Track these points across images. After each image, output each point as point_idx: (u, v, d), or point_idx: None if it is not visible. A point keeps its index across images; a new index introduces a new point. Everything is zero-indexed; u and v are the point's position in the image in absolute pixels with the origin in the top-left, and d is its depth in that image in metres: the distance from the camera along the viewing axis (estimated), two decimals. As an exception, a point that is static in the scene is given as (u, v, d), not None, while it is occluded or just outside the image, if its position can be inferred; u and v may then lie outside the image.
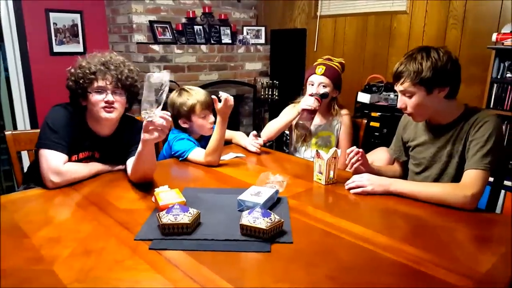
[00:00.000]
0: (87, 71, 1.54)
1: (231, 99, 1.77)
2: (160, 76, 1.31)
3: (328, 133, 2.22)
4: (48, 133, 1.54)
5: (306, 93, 2.12)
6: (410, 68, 1.45)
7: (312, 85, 2.13)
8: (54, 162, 1.50)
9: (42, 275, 0.97)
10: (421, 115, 1.57)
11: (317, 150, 1.65)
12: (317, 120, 2.22)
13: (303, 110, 1.94)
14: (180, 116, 1.99)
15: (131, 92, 1.66)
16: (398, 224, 1.33)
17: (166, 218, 1.16)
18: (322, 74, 2.10)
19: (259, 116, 4.66)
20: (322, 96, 2.05)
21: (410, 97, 1.50)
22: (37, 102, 3.79)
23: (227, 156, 1.97)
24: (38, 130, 1.69)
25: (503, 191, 2.54)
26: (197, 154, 1.88)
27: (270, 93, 4.41)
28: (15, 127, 3.69)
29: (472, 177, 1.41)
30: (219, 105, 1.76)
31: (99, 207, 1.38)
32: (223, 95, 1.75)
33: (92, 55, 1.61)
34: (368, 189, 1.51)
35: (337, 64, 2.17)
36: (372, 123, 3.25)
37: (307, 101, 1.97)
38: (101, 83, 1.56)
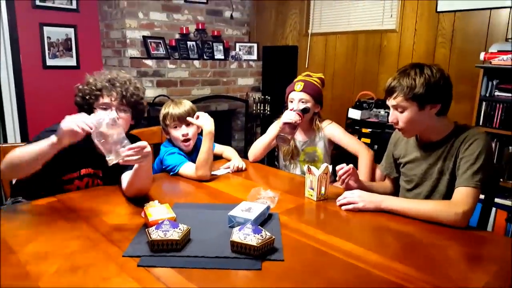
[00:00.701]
0: (93, 87, 1.57)
1: (203, 114, 1.90)
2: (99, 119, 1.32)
3: (313, 148, 2.23)
4: (35, 138, 1.50)
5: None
6: (404, 83, 1.46)
7: (292, 102, 2.14)
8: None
9: (27, 292, 0.95)
10: (411, 131, 1.57)
11: (308, 166, 1.65)
12: (301, 137, 2.23)
13: (284, 123, 1.94)
14: (162, 127, 2.04)
15: (137, 110, 1.67)
16: (390, 242, 1.32)
17: (156, 234, 1.15)
18: (301, 91, 2.12)
19: (251, 131, 4.67)
20: (303, 111, 2.05)
21: (402, 112, 1.51)
22: (28, 116, 3.76)
23: (219, 172, 1.96)
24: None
25: (494, 209, 2.57)
26: (188, 168, 1.87)
27: (262, 108, 4.43)
28: (5, 139, 3.65)
29: (463, 195, 1.41)
30: (195, 121, 1.89)
31: (88, 222, 1.36)
32: (199, 113, 1.91)
33: (99, 73, 1.64)
34: (359, 206, 1.51)
35: (316, 79, 2.18)
36: (363, 139, 3.26)
37: (288, 115, 1.97)
38: (106, 99, 1.57)
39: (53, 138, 1.34)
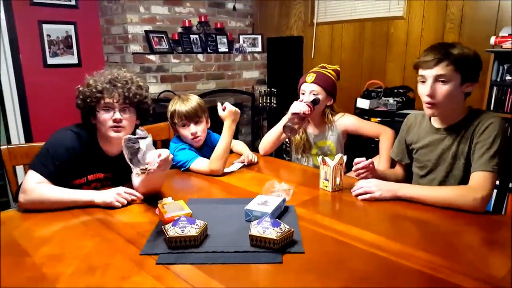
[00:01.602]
0: (94, 89, 1.51)
1: (231, 107, 1.85)
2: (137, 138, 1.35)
3: (326, 142, 2.18)
4: (43, 156, 1.50)
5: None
6: (455, 53, 1.42)
7: (303, 93, 2.10)
8: (30, 181, 1.43)
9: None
10: (443, 106, 1.50)
11: (322, 157, 1.62)
12: (312, 130, 2.20)
13: (293, 114, 1.90)
14: (170, 124, 2.01)
15: (141, 109, 1.63)
16: (409, 230, 1.30)
17: (173, 231, 1.12)
18: (312, 82, 2.07)
19: (257, 125, 4.63)
20: (313, 102, 2.00)
21: (445, 82, 1.45)
22: (31, 115, 3.74)
23: (232, 168, 1.93)
24: (34, 144, 1.67)
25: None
26: (200, 163, 1.85)
27: (268, 101, 4.39)
28: (8, 140, 3.63)
29: (480, 179, 1.40)
30: (220, 112, 1.84)
31: (101, 221, 1.34)
32: (226, 105, 1.85)
33: (100, 73, 1.58)
34: (376, 195, 1.48)
35: (330, 71, 2.13)
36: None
37: (298, 106, 1.93)
38: (108, 100, 1.52)
39: (91, 197, 1.44)
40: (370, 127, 2.18)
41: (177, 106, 1.93)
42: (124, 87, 1.55)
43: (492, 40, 2.64)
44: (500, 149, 1.41)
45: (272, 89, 4.36)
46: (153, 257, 1.08)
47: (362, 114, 3.39)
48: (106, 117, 1.52)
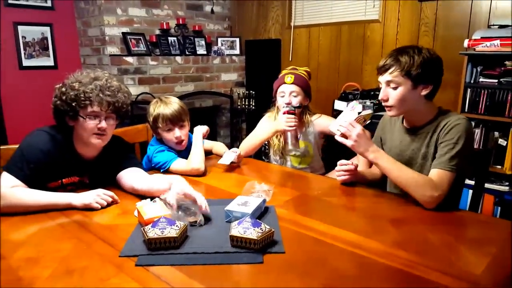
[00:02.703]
0: (82, 95, 1.45)
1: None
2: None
3: (305, 143, 2.20)
4: (17, 158, 1.46)
5: (277, 105, 2.13)
6: (402, 60, 1.47)
7: (283, 96, 2.12)
8: (4, 184, 1.39)
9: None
10: (399, 108, 1.55)
11: (354, 103, 1.61)
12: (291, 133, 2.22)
13: (286, 131, 1.95)
14: (151, 128, 1.98)
15: (122, 114, 1.60)
16: (388, 229, 1.32)
17: (152, 233, 1.11)
18: (292, 83, 2.09)
19: (236, 127, 4.63)
20: (298, 108, 2.06)
21: (395, 88, 1.51)
22: (6, 117, 3.64)
23: (225, 159, 1.92)
24: (7, 147, 1.62)
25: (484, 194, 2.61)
26: (180, 163, 1.85)
27: (246, 103, 4.40)
28: (-17, 142, 3.54)
29: (439, 177, 1.42)
30: None
31: (79, 223, 1.31)
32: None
33: (83, 75, 1.52)
34: (347, 143, 1.52)
35: (303, 72, 2.17)
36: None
37: (286, 122, 1.98)
38: (96, 108, 1.48)
39: (69, 199, 1.42)
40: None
41: (161, 109, 1.89)
42: (114, 96, 1.51)
43: (466, 43, 2.70)
44: (462, 150, 1.43)
45: (251, 91, 4.37)
46: (132, 259, 1.07)
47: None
48: (91, 124, 1.48)
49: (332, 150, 2.48)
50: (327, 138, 2.27)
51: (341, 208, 1.48)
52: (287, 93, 2.09)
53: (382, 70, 1.52)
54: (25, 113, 3.65)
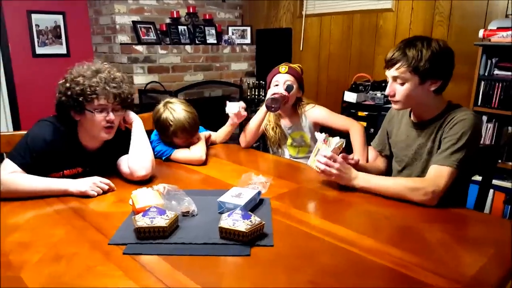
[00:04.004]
0: (88, 89, 1.45)
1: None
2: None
3: (300, 133, 2.20)
4: (22, 147, 1.48)
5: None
6: (409, 54, 1.41)
7: (277, 85, 2.11)
8: (4, 170, 1.42)
9: (8, 282, 0.92)
10: (406, 104, 1.52)
11: (326, 136, 1.60)
12: (285, 122, 2.22)
13: (271, 100, 1.99)
14: (163, 134, 1.93)
15: (128, 105, 1.61)
16: (383, 226, 1.29)
17: (142, 221, 1.11)
18: (286, 72, 2.10)
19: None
20: (288, 88, 2.06)
21: (402, 84, 1.46)
22: (20, 105, 3.72)
23: (231, 108, 2.07)
24: (21, 132, 1.62)
25: (492, 191, 2.54)
26: (182, 152, 1.88)
27: (256, 93, 4.37)
28: (-4, 128, 3.62)
29: (436, 173, 1.38)
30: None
31: (74, 210, 1.33)
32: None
33: (84, 68, 1.51)
34: (331, 178, 1.50)
35: (296, 66, 2.19)
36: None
37: (272, 91, 2.06)
38: (102, 101, 1.48)
39: (65, 186, 1.44)
40: (339, 120, 2.16)
41: (176, 124, 1.84)
42: (119, 88, 1.51)
43: (481, 33, 2.61)
44: (465, 145, 1.38)
45: (261, 82, 4.34)
46: (121, 247, 1.07)
47: (349, 107, 3.38)
48: (99, 117, 1.49)
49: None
50: (323, 128, 2.25)
51: (337, 203, 1.45)
52: (281, 82, 2.09)
53: (389, 64, 1.47)
54: (38, 100, 3.70)
